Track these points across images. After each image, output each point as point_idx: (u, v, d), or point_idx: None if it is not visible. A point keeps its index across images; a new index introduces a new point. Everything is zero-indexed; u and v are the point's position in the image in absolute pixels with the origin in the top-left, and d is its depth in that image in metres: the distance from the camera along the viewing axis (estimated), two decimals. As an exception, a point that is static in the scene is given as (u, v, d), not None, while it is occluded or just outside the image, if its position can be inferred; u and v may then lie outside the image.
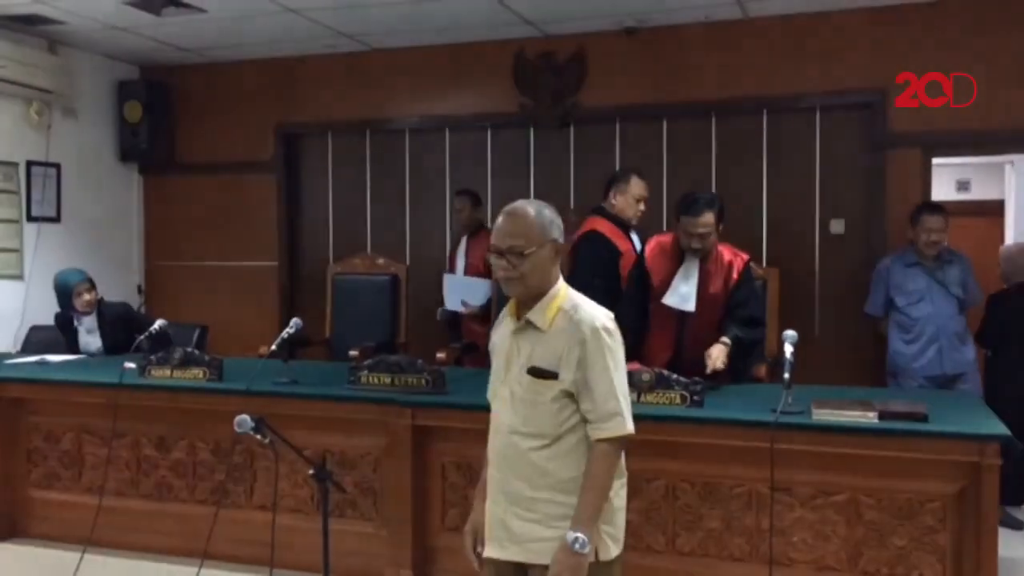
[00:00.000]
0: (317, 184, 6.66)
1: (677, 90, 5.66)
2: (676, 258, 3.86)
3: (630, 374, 3.40)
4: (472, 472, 3.48)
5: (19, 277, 5.94)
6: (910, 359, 4.58)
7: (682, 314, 3.83)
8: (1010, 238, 6.88)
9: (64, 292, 4.92)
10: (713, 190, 5.24)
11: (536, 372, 2.17)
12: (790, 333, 3.26)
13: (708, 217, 3.73)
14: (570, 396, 2.16)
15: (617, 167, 5.73)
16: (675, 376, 3.36)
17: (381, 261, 5.87)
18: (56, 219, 6.23)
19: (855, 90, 5.32)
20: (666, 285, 3.85)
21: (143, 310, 6.54)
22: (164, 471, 4.10)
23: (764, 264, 5.24)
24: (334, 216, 6.63)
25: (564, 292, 2.23)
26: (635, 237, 4.40)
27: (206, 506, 3.96)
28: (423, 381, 3.68)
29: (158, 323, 4.54)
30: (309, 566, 3.35)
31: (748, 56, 5.52)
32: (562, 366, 2.15)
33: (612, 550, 2.19)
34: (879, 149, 5.34)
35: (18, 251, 5.96)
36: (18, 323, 5.73)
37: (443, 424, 3.62)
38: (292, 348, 4.10)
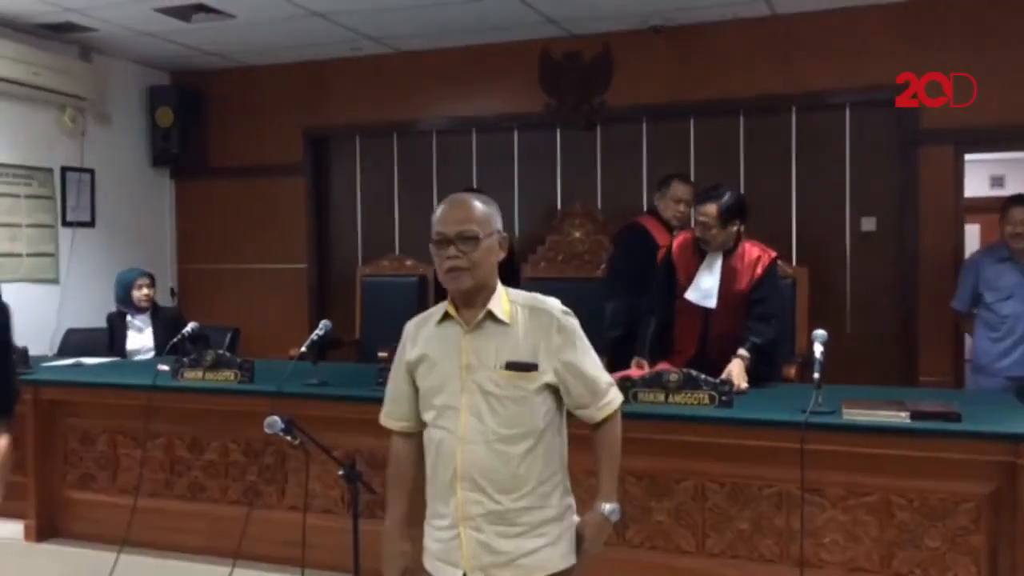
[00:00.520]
0: (345, 186, 6.71)
1: (704, 88, 5.63)
2: (700, 253, 3.86)
3: (659, 374, 3.44)
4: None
5: (55, 281, 6.05)
6: (995, 358, 4.42)
7: (706, 310, 3.81)
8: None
9: (125, 285, 5.10)
10: (741, 189, 5.20)
11: (516, 366, 2.04)
12: (820, 332, 3.23)
13: (709, 208, 3.71)
14: (549, 388, 2.08)
15: (644, 167, 5.73)
16: (703, 376, 3.34)
17: (409, 262, 5.90)
18: (90, 224, 6.33)
19: (886, 87, 5.26)
20: (691, 280, 3.84)
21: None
22: (197, 472, 4.15)
23: (794, 263, 5.20)
24: (362, 218, 6.68)
25: (503, 288, 2.12)
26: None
27: (238, 506, 4.00)
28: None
29: (191, 325, 4.60)
30: (339, 566, 3.36)
31: (775, 53, 5.48)
32: (541, 358, 2.05)
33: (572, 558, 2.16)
34: (911, 145, 5.27)
35: (54, 255, 6.07)
36: (54, 326, 5.84)
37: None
38: (322, 350, 4.12)
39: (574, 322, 2.12)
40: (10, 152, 5.74)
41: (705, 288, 3.79)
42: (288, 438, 2.68)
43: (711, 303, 3.78)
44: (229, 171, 6.84)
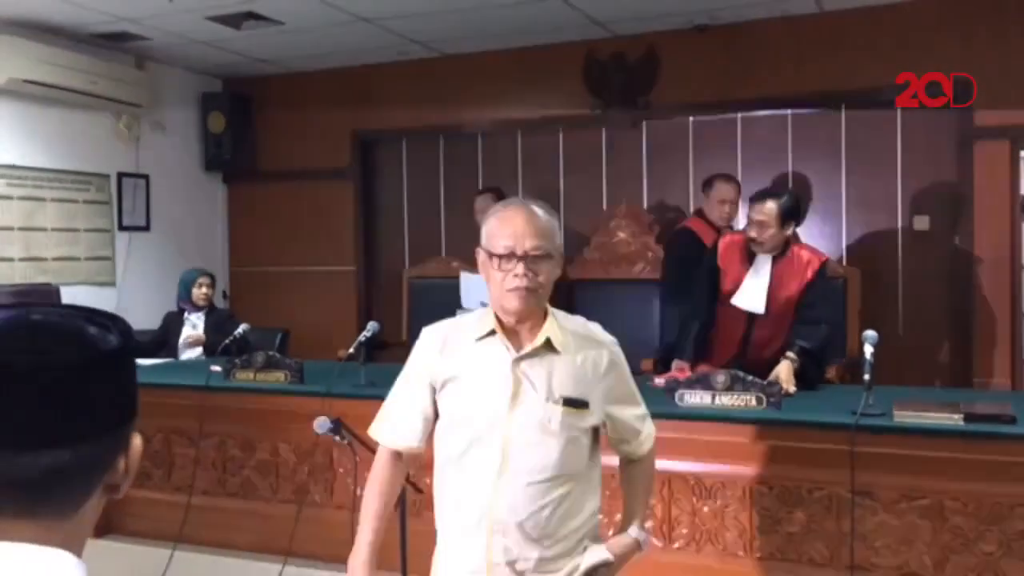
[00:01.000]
0: (392, 189, 6.78)
1: (751, 87, 5.57)
2: (747, 256, 3.80)
3: (705, 375, 3.41)
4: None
5: (111, 284, 6.21)
6: None
7: (751, 314, 3.77)
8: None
9: (187, 283, 5.33)
10: (790, 187, 5.15)
11: (573, 403, 1.86)
12: (870, 333, 3.19)
13: (769, 205, 3.65)
14: (594, 427, 1.94)
15: (691, 166, 5.68)
16: (750, 377, 3.31)
17: (455, 264, 5.93)
18: (146, 228, 6.48)
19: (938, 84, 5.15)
20: (737, 284, 3.79)
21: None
22: (249, 471, 4.22)
23: (844, 262, 5.13)
24: (409, 220, 6.73)
25: (551, 310, 1.94)
26: None
27: (289, 505, 4.07)
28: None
29: (242, 327, 4.69)
30: (387, 564, 3.38)
31: (824, 50, 5.39)
32: (591, 395, 1.89)
33: None
34: (965, 142, 5.16)
35: (110, 259, 6.23)
36: (111, 328, 5.98)
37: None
38: (370, 351, 4.17)
39: (622, 356, 2.00)
40: (68, 159, 5.91)
41: (753, 293, 3.74)
42: (336, 438, 2.72)
43: (759, 308, 3.73)
44: (279, 175, 6.95)
